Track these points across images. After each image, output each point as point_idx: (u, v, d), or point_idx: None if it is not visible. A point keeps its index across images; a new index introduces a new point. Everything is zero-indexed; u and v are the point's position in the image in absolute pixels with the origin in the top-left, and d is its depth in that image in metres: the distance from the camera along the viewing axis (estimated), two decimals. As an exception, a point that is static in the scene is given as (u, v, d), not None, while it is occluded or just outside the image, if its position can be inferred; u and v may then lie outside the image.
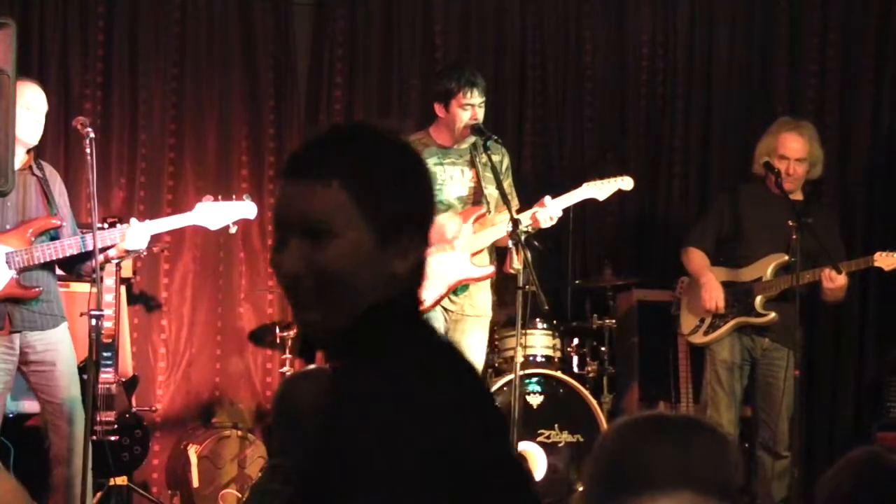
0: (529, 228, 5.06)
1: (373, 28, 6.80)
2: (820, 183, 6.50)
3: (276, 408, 2.69)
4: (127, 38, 6.52)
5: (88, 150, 4.71)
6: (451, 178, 5.24)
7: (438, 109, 5.24)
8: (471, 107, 5.15)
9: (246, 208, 5.09)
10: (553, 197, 5.24)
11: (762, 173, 5.63)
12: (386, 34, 6.81)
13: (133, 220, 4.96)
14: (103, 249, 4.80)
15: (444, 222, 5.16)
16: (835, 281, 5.31)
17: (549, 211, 5.15)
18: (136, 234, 4.84)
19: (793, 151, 5.53)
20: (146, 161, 6.55)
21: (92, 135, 4.74)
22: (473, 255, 5.22)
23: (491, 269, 5.28)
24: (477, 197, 5.27)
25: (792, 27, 6.98)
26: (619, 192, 5.54)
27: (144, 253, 5.80)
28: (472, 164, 5.26)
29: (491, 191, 5.23)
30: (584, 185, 5.38)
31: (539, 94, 6.96)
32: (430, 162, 5.23)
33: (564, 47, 6.99)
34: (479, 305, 5.27)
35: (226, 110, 6.64)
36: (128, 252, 4.90)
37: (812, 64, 6.95)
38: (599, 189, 5.37)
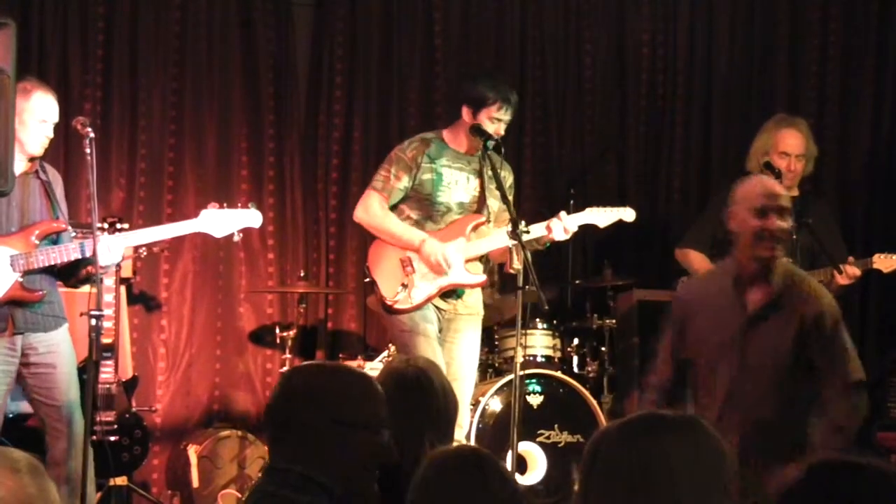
0: (527, 231, 5.05)
1: (373, 28, 6.80)
2: (820, 182, 6.50)
3: (266, 407, 2.65)
4: (127, 38, 6.52)
5: (88, 150, 4.70)
6: (456, 183, 5.23)
7: (466, 113, 5.20)
8: (499, 122, 5.16)
9: (250, 217, 5.07)
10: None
11: (758, 172, 5.62)
12: (386, 34, 6.81)
13: (104, 235, 4.84)
14: (88, 262, 4.74)
15: (434, 248, 5.14)
16: (850, 275, 5.29)
17: (566, 223, 5.16)
18: (106, 249, 4.73)
19: (794, 147, 5.54)
20: (146, 161, 6.55)
21: (92, 135, 4.73)
22: (468, 261, 5.22)
23: (483, 277, 5.29)
24: (479, 207, 5.27)
25: (792, 27, 6.98)
26: (619, 193, 5.55)
27: (144, 253, 5.81)
28: (479, 175, 5.27)
29: (492, 203, 5.24)
30: (588, 210, 5.42)
31: (539, 95, 6.97)
32: (438, 163, 5.22)
33: (564, 47, 6.99)
34: (471, 304, 5.28)
35: (226, 111, 6.64)
36: (104, 267, 4.81)
37: (812, 64, 6.96)
38: (601, 216, 5.41)
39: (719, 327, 3.81)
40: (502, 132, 5.19)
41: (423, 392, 3.22)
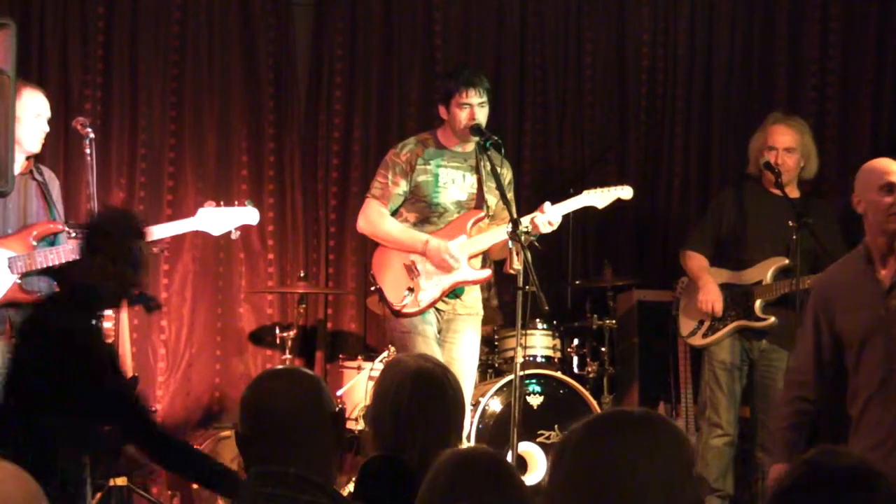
0: (528, 229, 5.05)
1: (373, 28, 6.80)
2: (821, 183, 6.50)
3: (250, 414, 2.59)
4: (127, 38, 6.52)
5: (88, 151, 4.70)
6: (453, 182, 5.23)
7: (441, 111, 5.23)
8: (468, 106, 5.12)
9: (248, 214, 5.08)
10: (553, 203, 5.23)
11: (757, 173, 5.63)
12: (386, 34, 6.81)
13: None
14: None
15: (438, 246, 5.13)
16: None
17: (548, 216, 5.13)
18: None
19: (781, 142, 5.53)
20: (146, 161, 6.55)
21: (92, 135, 4.74)
22: (470, 257, 5.22)
23: (488, 272, 5.28)
24: (477, 203, 5.27)
25: (792, 27, 6.98)
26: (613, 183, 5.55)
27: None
28: (476, 171, 5.25)
29: (490, 199, 5.23)
30: (585, 192, 5.39)
31: (539, 94, 6.96)
32: (433, 163, 5.22)
33: (564, 47, 6.99)
34: (470, 304, 5.28)
35: (225, 110, 6.64)
36: None
37: (812, 64, 6.95)
38: (599, 197, 5.38)
39: (859, 309, 3.81)
40: (480, 117, 5.14)
41: (453, 392, 3.16)
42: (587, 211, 5.70)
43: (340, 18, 6.79)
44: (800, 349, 4.10)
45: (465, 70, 5.26)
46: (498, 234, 5.19)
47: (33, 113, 4.73)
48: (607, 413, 2.06)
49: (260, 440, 2.54)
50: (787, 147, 5.53)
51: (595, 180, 6.75)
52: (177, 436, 6.28)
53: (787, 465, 3.98)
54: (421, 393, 3.10)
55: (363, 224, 5.30)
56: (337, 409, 2.65)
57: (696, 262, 5.70)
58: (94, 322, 4.01)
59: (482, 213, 5.25)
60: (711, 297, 5.53)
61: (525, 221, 5.09)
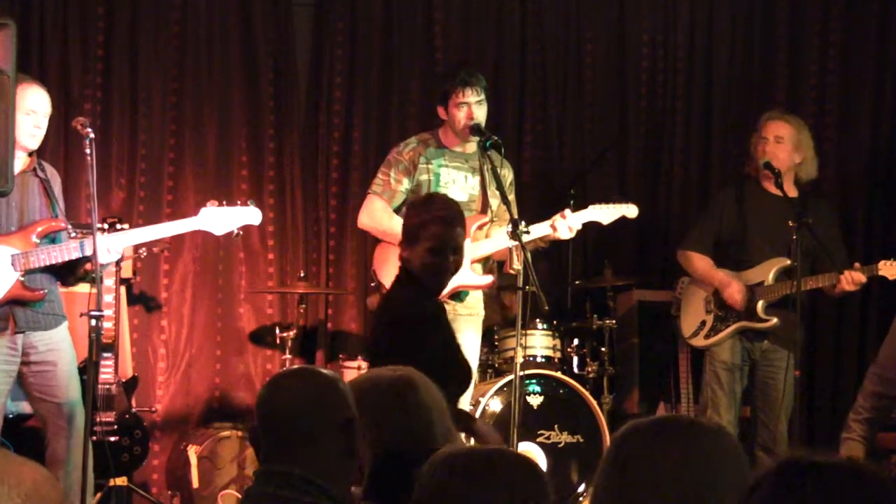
0: (528, 230, 5.04)
1: (373, 28, 6.80)
2: (821, 183, 6.50)
3: (261, 411, 2.61)
4: (127, 37, 6.52)
5: (88, 151, 4.69)
6: (454, 182, 5.23)
7: (440, 112, 5.24)
8: (466, 105, 5.14)
9: (250, 214, 5.08)
10: (555, 210, 5.26)
11: (755, 174, 5.63)
12: (386, 34, 6.81)
13: (103, 234, 4.81)
14: (86, 260, 4.75)
15: None
16: (855, 281, 5.28)
17: (570, 221, 5.16)
18: (105, 248, 4.70)
19: (771, 131, 5.54)
20: (146, 161, 6.55)
21: (92, 135, 4.72)
22: (473, 262, 5.22)
23: (490, 278, 5.29)
24: (482, 206, 5.27)
25: (792, 27, 6.98)
26: (619, 194, 5.56)
27: (144, 254, 5.82)
28: (479, 172, 5.26)
29: (494, 201, 5.24)
30: (591, 207, 5.43)
31: (539, 94, 6.96)
32: (435, 163, 5.22)
33: (564, 47, 6.99)
34: (471, 305, 5.29)
35: (225, 111, 6.64)
36: (102, 265, 4.78)
37: (812, 64, 6.95)
38: (605, 213, 5.41)
39: None
40: (478, 116, 5.15)
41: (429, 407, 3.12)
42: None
43: (340, 18, 6.78)
44: (892, 344, 4.10)
45: (461, 69, 5.27)
46: (500, 241, 5.20)
47: (24, 109, 4.70)
48: (676, 417, 2.07)
49: (268, 438, 2.56)
50: (777, 136, 5.52)
51: (595, 182, 6.79)
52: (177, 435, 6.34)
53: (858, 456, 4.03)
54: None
55: (365, 220, 5.29)
56: (351, 414, 2.62)
57: (702, 262, 5.68)
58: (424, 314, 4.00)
59: (486, 219, 5.25)
60: (737, 294, 5.49)
61: (544, 227, 5.12)
